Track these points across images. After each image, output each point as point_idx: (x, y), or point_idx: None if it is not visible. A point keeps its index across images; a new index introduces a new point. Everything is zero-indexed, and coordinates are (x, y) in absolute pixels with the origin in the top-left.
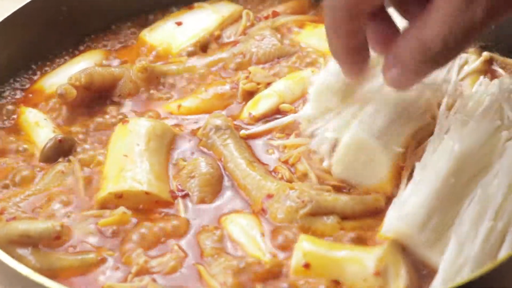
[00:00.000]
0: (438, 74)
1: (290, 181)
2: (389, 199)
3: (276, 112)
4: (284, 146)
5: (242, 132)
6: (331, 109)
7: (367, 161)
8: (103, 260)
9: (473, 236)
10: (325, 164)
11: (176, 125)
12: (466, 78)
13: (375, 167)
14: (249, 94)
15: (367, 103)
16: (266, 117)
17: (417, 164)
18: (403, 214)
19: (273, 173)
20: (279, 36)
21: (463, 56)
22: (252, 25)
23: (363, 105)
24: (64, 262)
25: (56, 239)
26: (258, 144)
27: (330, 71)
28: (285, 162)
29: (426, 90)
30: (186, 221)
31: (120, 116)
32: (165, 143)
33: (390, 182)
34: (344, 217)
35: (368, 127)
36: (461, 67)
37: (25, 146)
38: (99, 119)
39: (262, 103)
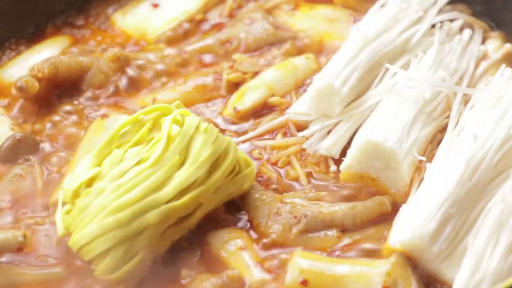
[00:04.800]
0: (457, 66)
1: (278, 183)
2: (396, 205)
3: (265, 106)
4: (273, 146)
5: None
6: (330, 116)
7: (382, 168)
8: (72, 274)
9: (492, 248)
10: (332, 168)
11: None
12: (489, 69)
13: (391, 176)
14: (235, 86)
15: (378, 105)
16: (253, 112)
17: (429, 166)
18: (412, 223)
19: (258, 178)
20: (271, 19)
21: (481, 48)
22: (240, 6)
23: (372, 107)
24: (27, 277)
25: (18, 250)
26: (242, 146)
27: (336, 72)
28: (274, 164)
29: (443, 86)
30: None
31: (93, 111)
32: None
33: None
34: (345, 229)
35: (382, 131)
36: (480, 59)
37: None
38: (64, 116)
39: (249, 95)
